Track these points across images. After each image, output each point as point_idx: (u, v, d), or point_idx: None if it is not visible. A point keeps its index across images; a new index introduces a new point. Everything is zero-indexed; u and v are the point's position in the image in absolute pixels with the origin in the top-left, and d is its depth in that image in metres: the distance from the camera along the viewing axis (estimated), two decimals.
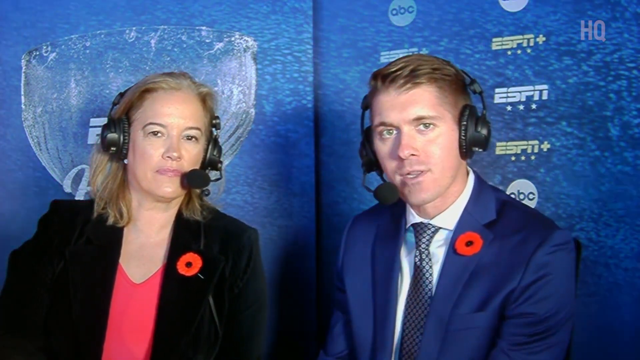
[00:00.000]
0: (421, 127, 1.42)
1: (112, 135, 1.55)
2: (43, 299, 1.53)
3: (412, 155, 1.41)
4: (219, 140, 1.67)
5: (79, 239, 1.56)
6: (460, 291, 1.41)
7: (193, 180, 1.56)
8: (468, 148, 1.44)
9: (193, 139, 1.57)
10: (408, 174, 1.43)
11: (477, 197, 1.49)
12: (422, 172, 1.42)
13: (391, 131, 1.44)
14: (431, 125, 1.42)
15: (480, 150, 1.46)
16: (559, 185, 1.87)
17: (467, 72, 1.52)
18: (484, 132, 1.44)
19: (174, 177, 1.54)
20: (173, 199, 1.59)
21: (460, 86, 1.47)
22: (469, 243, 1.43)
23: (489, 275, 1.40)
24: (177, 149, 1.52)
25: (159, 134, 1.53)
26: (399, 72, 1.42)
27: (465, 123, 1.43)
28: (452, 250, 1.45)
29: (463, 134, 1.43)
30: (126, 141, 1.55)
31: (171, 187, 1.54)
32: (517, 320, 1.38)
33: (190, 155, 1.56)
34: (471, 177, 1.52)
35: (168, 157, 1.52)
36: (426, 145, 1.42)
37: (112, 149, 1.55)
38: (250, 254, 1.61)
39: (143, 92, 1.56)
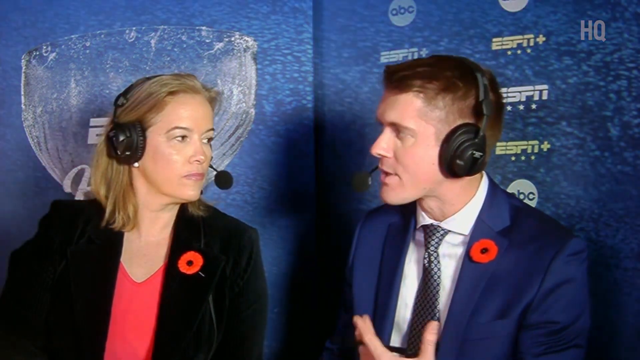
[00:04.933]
0: (398, 132, 1.39)
1: (128, 139, 1.50)
2: (44, 299, 1.53)
3: (382, 155, 1.41)
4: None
5: (80, 238, 1.56)
6: (478, 299, 1.40)
7: (221, 182, 1.60)
8: (449, 170, 1.38)
9: (210, 141, 1.58)
10: (382, 171, 1.44)
11: (490, 204, 1.46)
12: (390, 174, 1.42)
13: (381, 123, 1.43)
14: (406, 134, 1.38)
15: (461, 176, 1.39)
16: (559, 185, 1.87)
17: (490, 88, 1.39)
18: (464, 160, 1.35)
19: (199, 181, 1.55)
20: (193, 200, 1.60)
21: (468, 104, 1.36)
22: (484, 250, 1.41)
23: (506, 283, 1.39)
24: (203, 152, 1.53)
25: (187, 139, 1.53)
26: (395, 73, 1.38)
27: (446, 144, 1.36)
28: (467, 258, 1.43)
29: (441, 156, 1.37)
30: (141, 145, 1.52)
31: (195, 191, 1.55)
32: (538, 331, 1.37)
33: (208, 157, 1.57)
34: (484, 182, 1.49)
35: (196, 161, 1.52)
36: (400, 152, 1.39)
37: (127, 152, 1.52)
38: (251, 253, 1.62)
39: (164, 95, 1.52)
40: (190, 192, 1.54)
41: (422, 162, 1.38)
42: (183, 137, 1.52)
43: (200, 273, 1.54)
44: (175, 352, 1.49)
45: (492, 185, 1.50)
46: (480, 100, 1.35)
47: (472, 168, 1.36)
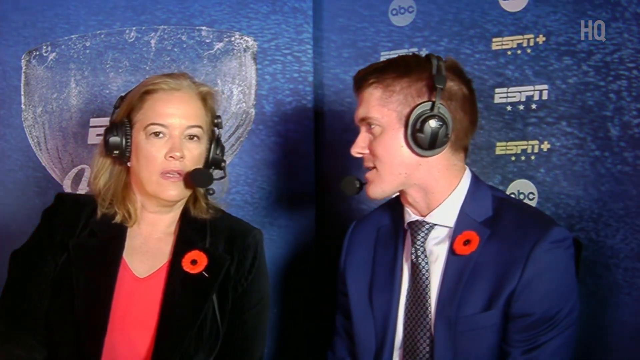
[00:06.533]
0: (369, 126, 1.49)
1: (114, 139, 1.54)
2: (44, 291, 1.52)
3: (360, 153, 1.51)
4: (221, 139, 1.67)
5: (83, 231, 1.56)
6: (462, 292, 1.41)
7: (197, 179, 1.55)
8: (416, 146, 1.44)
9: (195, 138, 1.56)
10: (365, 169, 1.53)
11: (473, 195, 1.49)
12: (370, 169, 1.50)
13: (358, 126, 1.53)
14: (374, 125, 1.47)
15: (428, 150, 1.44)
16: (559, 185, 1.87)
17: (451, 73, 1.46)
18: (424, 132, 1.42)
19: (177, 182, 1.54)
20: (178, 201, 1.59)
21: (424, 84, 1.45)
22: (467, 242, 1.44)
23: (489, 273, 1.41)
24: (179, 149, 1.52)
25: (161, 135, 1.53)
26: (357, 76, 1.51)
27: (407, 122, 1.44)
28: (451, 251, 1.45)
29: (406, 135, 1.44)
30: (128, 144, 1.55)
31: (175, 191, 1.54)
32: (522, 322, 1.38)
33: (193, 155, 1.55)
34: (467, 175, 1.52)
35: (171, 157, 1.51)
36: (372, 144, 1.49)
37: (115, 152, 1.55)
38: (255, 253, 1.61)
39: (143, 93, 1.55)
40: (170, 192, 1.54)
41: (392, 148, 1.46)
42: (158, 133, 1.53)
43: (204, 273, 1.54)
44: (176, 350, 1.49)
45: (475, 179, 1.53)
46: (433, 75, 1.43)
47: (435, 140, 1.42)
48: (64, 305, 1.50)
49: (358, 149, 1.51)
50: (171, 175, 1.53)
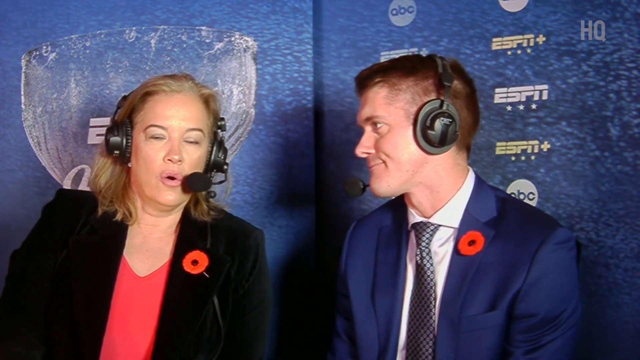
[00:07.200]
0: (374, 125, 1.48)
1: (115, 139, 1.53)
2: (44, 289, 1.51)
3: (366, 153, 1.50)
4: (224, 141, 1.66)
5: (83, 228, 1.55)
6: (466, 292, 1.42)
7: (194, 183, 1.54)
8: (426, 142, 1.44)
9: (195, 142, 1.55)
10: (369, 167, 1.52)
11: (476, 196, 1.49)
12: (376, 164, 1.50)
13: (361, 127, 1.53)
14: (380, 124, 1.47)
15: (438, 147, 1.44)
16: (559, 185, 1.87)
17: (454, 71, 1.47)
18: (435, 129, 1.42)
19: (175, 186, 1.53)
20: (176, 206, 1.59)
21: (430, 82, 1.45)
22: (471, 242, 1.44)
23: (493, 274, 1.41)
24: (178, 152, 1.51)
25: (160, 137, 1.52)
26: (359, 77, 1.51)
27: (416, 119, 1.44)
28: (455, 252, 1.45)
29: (415, 133, 1.44)
30: (129, 145, 1.54)
31: (173, 195, 1.53)
32: (525, 322, 1.38)
33: (192, 159, 1.54)
34: (470, 176, 1.52)
35: (169, 160, 1.51)
36: (379, 143, 1.48)
37: (116, 152, 1.54)
38: (256, 255, 1.61)
39: (144, 94, 1.55)
40: (167, 197, 1.53)
41: (399, 145, 1.46)
42: (158, 135, 1.52)
43: (205, 274, 1.53)
44: (175, 351, 1.48)
45: (478, 179, 1.53)
46: (439, 74, 1.43)
47: (445, 136, 1.43)
48: (62, 302, 1.49)
49: (363, 148, 1.50)
50: (170, 180, 1.52)
